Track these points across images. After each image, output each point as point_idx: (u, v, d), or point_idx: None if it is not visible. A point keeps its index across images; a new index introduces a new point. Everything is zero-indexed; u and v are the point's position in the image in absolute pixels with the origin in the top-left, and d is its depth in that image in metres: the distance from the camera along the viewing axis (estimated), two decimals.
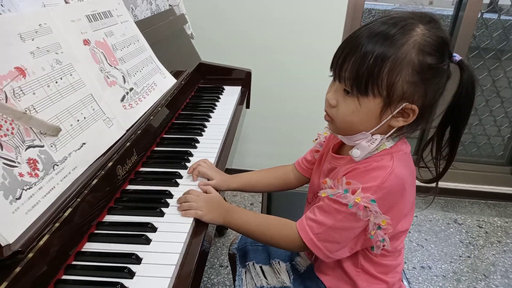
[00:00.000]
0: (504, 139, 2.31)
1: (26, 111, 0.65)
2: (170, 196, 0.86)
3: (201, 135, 1.17)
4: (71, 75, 0.79)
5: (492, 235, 2.02)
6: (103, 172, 0.77)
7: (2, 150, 0.58)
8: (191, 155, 1.05)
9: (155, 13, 1.51)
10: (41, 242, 0.59)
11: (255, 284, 0.92)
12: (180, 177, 0.95)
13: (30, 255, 0.56)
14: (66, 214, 0.65)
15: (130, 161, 0.90)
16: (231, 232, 1.91)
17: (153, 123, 1.05)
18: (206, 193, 0.89)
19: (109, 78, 0.92)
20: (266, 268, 0.96)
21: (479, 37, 2.10)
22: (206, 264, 1.35)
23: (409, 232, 1.95)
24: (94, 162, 0.76)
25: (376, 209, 0.69)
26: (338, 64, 0.70)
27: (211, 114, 1.32)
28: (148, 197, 0.87)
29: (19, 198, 0.58)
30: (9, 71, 0.64)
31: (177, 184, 0.92)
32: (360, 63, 0.67)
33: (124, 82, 0.98)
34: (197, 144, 1.11)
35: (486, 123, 2.27)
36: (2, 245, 0.54)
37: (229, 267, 1.54)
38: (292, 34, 1.94)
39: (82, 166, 0.73)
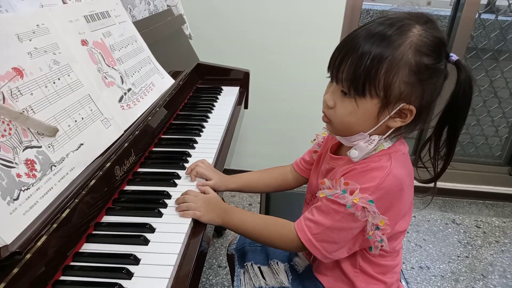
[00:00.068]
0: (501, 139, 2.32)
1: (23, 111, 0.64)
2: (168, 196, 0.86)
3: (199, 135, 1.17)
4: (68, 75, 0.78)
5: (490, 235, 2.02)
6: (101, 173, 0.77)
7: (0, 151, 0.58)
8: (189, 155, 1.05)
9: (153, 13, 1.51)
10: (39, 243, 0.59)
11: (254, 285, 0.92)
12: (178, 177, 0.95)
13: (28, 256, 0.56)
14: (64, 215, 0.64)
15: (128, 161, 0.90)
16: (230, 233, 1.91)
17: (151, 124, 1.05)
18: (204, 193, 0.89)
19: (107, 78, 0.92)
20: (264, 268, 0.96)
21: (476, 38, 2.10)
22: (205, 264, 1.35)
23: (407, 232, 1.95)
24: (92, 162, 0.76)
25: (374, 210, 0.69)
26: (335, 65, 0.70)
27: (209, 114, 1.32)
28: (146, 197, 0.87)
29: (17, 199, 0.58)
30: (6, 71, 0.64)
31: (175, 185, 0.92)
32: (357, 64, 0.67)
33: (122, 82, 0.97)
34: (195, 145, 1.11)
35: (484, 123, 2.28)
36: (0, 246, 0.54)
37: (228, 267, 1.54)
38: (290, 35, 1.94)
39: (80, 166, 0.73)
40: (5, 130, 0.60)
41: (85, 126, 0.78)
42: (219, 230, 1.90)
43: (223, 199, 0.92)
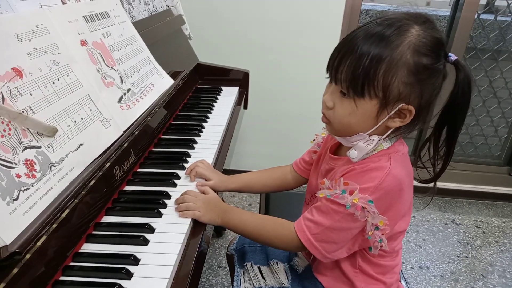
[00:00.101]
0: (501, 140, 2.32)
1: (22, 111, 0.64)
2: (168, 197, 0.86)
3: (199, 135, 1.17)
4: (68, 76, 0.78)
5: (489, 235, 2.02)
6: (100, 173, 0.77)
7: None
8: (189, 155, 1.05)
9: (153, 13, 1.51)
10: (39, 243, 0.59)
11: (253, 285, 0.92)
12: (178, 177, 0.95)
13: (28, 256, 0.56)
14: (63, 215, 0.64)
15: (128, 162, 0.90)
16: (229, 233, 1.91)
17: (151, 124, 1.05)
18: (203, 193, 0.89)
19: (106, 79, 0.92)
20: (264, 268, 0.96)
21: (476, 38, 2.10)
22: (204, 265, 1.35)
23: (407, 232, 1.95)
24: (91, 163, 0.76)
25: (374, 210, 0.69)
26: (334, 66, 0.70)
27: (209, 114, 1.32)
28: (146, 198, 0.87)
29: (16, 199, 0.58)
30: (6, 72, 0.64)
31: (175, 185, 0.92)
32: (356, 65, 0.67)
33: (122, 83, 0.97)
34: (195, 145, 1.11)
35: (483, 123, 2.28)
36: (0, 246, 0.54)
37: (227, 268, 1.54)
38: (289, 35, 1.94)
39: (80, 167, 0.73)
40: (4, 131, 0.60)
41: (85, 127, 0.78)
42: (219, 230, 1.90)
43: (222, 199, 0.92)
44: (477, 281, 1.71)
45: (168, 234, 0.75)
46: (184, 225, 0.78)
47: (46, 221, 0.60)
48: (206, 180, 0.94)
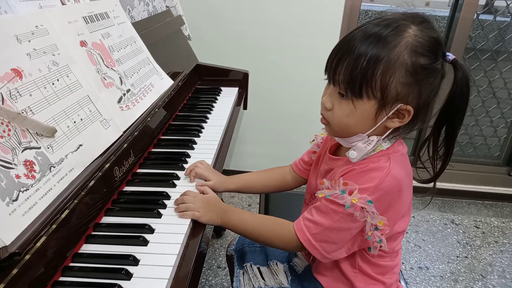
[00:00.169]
0: (500, 140, 2.32)
1: (22, 112, 0.64)
2: (168, 197, 0.86)
3: (199, 136, 1.17)
4: (67, 76, 0.79)
5: (489, 235, 2.02)
6: (100, 174, 0.77)
7: None
8: (189, 156, 1.05)
9: (152, 14, 1.51)
10: (38, 244, 0.59)
11: (253, 285, 0.92)
12: (178, 178, 0.95)
13: (27, 257, 0.56)
14: (63, 215, 0.64)
15: (127, 162, 0.90)
16: (229, 233, 1.91)
17: (150, 125, 1.05)
18: (203, 193, 0.89)
19: (106, 79, 0.92)
20: (264, 269, 0.96)
21: (475, 38, 2.11)
22: (204, 265, 1.35)
23: (407, 232, 1.95)
24: (91, 163, 0.76)
25: (373, 210, 0.69)
26: (332, 67, 0.71)
27: (208, 115, 1.32)
28: (145, 198, 0.87)
29: (16, 199, 0.58)
30: (5, 72, 0.64)
31: (174, 186, 0.92)
32: (353, 66, 0.67)
33: (121, 83, 0.98)
34: (194, 146, 1.11)
35: (483, 123, 2.28)
36: None
37: (227, 268, 1.54)
38: (289, 35, 1.94)
39: (79, 167, 0.73)
40: (4, 131, 0.60)
41: (84, 127, 0.78)
42: (219, 231, 1.90)
43: (222, 199, 0.92)
44: (476, 281, 1.72)
45: (168, 235, 0.75)
46: (183, 226, 0.78)
47: (45, 222, 0.60)
48: (205, 181, 0.94)
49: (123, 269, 0.65)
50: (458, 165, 2.24)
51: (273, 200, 1.29)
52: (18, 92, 0.65)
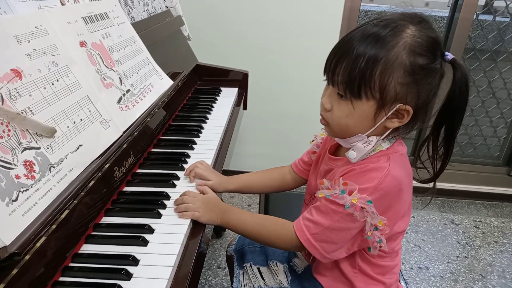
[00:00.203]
0: (500, 140, 2.32)
1: (21, 112, 0.64)
2: (167, 197, 0.86)
3: (198, 136, 1.17)
4: (67, 77, 0.79)
5: (489, 235, 2.03)
6: (99, 174, 0.77)
7: None
8: (188, 156, 1.05)
9: (152, 14, 1.51)
10: (38, 244, 0.59)
11: (253, 286, 0.92)
12: (177, 178, 0.95)
13: (27, 257, 0.56)
14: (63, 216, 0.64)
15: (127, 162, 0.90)
16: (229, 233, 1.91)
17: (150, 125, 1.05)
18: (203, 193, 0.89)
19: (105, 79, 0.92)
20: (263, 269, 0.96)
21: (474, 39, 2.11)
22: (204, 265, 1.35)
23: (406, 233, 1.95)
24: (90, 164, 0.76)
25: (373, 210, 0.69)
26: (331, 68, 0.71)
27: (208, 115, 1.32)
28: (145, 198, 0.87)
29: (16, 200, 0.58)
30: (5, 73, 0.64)
31: (174, 186, 0.92)
32: (352, 66, 0.67)
33: (121, 83, 0.98)
34: (194, 146, 1.11)
35: (482, 124, 2.28)
36: None
37: (227, 268, 1.54)
38: (289, 36, 1.94)
39: (79, 168, 0.73)
40: (3, 132, 0.60)
41: (84, 128, 0.78)
42: (219, 231, 1.90)
43: (222, 200, 0.92)
44: (476, 282, 1.72)
45: (168, 235, 0.75)
46: (183, 226, 0.78)
47: (45, 222, 0.60)
48: (205, 181, 0.94)
49: (123, 269, 0.65)
50: (458, 165, 2.24)
51: (273, 200, 1.29)
52: (17, 92, 0.65)
